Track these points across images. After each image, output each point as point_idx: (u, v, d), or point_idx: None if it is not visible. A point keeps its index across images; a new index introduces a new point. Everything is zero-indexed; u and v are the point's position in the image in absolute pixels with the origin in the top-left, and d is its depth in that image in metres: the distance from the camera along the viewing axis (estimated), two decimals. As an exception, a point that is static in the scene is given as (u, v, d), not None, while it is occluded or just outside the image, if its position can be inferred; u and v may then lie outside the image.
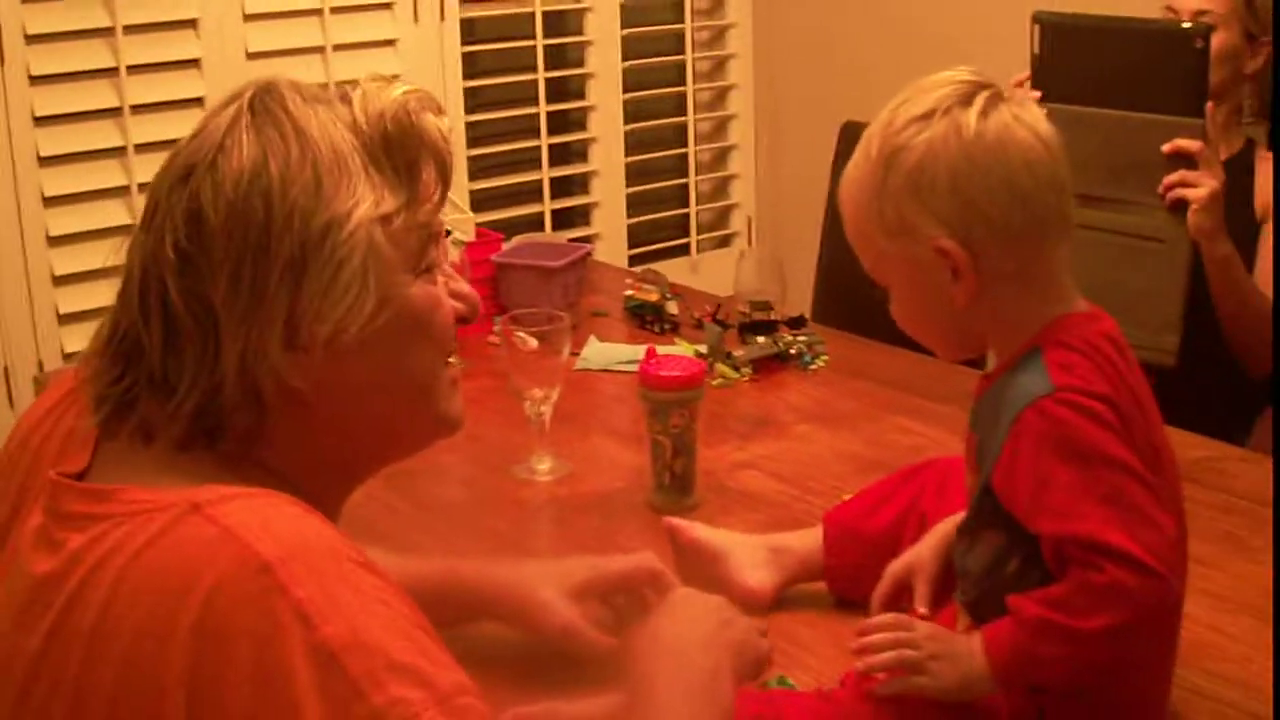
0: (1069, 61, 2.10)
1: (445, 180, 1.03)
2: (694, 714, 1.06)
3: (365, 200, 0.95)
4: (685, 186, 3.85)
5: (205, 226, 0.93)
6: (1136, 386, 1.18)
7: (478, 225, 2.57)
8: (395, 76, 1.03)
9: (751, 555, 1.49)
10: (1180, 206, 2.08)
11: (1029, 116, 1.19)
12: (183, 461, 0.94)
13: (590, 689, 1.23)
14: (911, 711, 1.15)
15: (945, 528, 1.34)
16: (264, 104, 0.96)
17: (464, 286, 1.09)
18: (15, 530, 1.00)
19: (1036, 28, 2.12)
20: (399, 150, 0.98)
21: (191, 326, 0.93)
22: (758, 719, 1.17)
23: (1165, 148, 2.07)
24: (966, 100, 1.17)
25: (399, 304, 0.98)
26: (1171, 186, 2.08)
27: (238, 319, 0.92)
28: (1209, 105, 2.08)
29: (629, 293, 2.44)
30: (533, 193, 3.55)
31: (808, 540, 1.49)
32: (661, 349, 1.89)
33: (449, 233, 2.22)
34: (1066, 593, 1.10)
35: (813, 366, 2.18)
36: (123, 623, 0.86)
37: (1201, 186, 2.07)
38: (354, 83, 1.01)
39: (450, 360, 1.06)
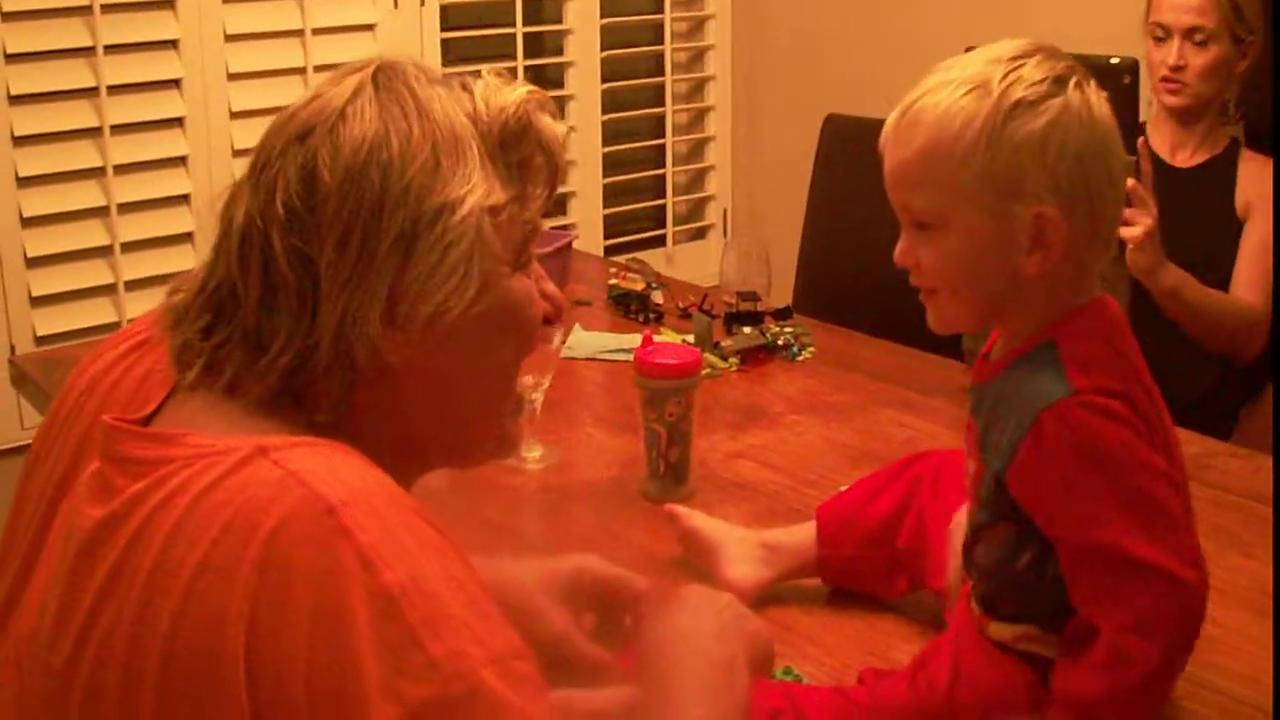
0: None
1: (554, 182, 1.04)
2: (711, 703, 1.05)
3: (479, 189, 0.96)
4: (662, 178, 3.85)
5: (320, 187, 0.93)
6: (1144, 374, 1.18)
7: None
8: (513, 77, 1.04)
9: (742, 550, 1.48)
10: (1119, 245, 2.09)
11: None
12: (257, 419, 0.94)
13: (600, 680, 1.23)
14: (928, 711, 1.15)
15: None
16: (388, 79, 0.97)
17: (551, 287, 1.09)
18: (76, 477, 0.99)
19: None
20: (515, 147, 0.99)
21: (292, 284, 0.93)
22: (777, 714, 1.17)
23: None
24: (1087, 77, 1.17)
25: (498, 294, 0.98)
26: None
27: (340, 284, 0.92)
28: (1140, 140, 2.10)
29: (613, 281, 2.43)
30: (510, 181, 3.53)
31: (800, 536, 1.49)
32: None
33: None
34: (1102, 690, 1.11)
35: (800, 357, 2.18)
36: (185, 559, 0.85)
37: (1137, 225, 2.08)
38: (476, 73, 1.02)
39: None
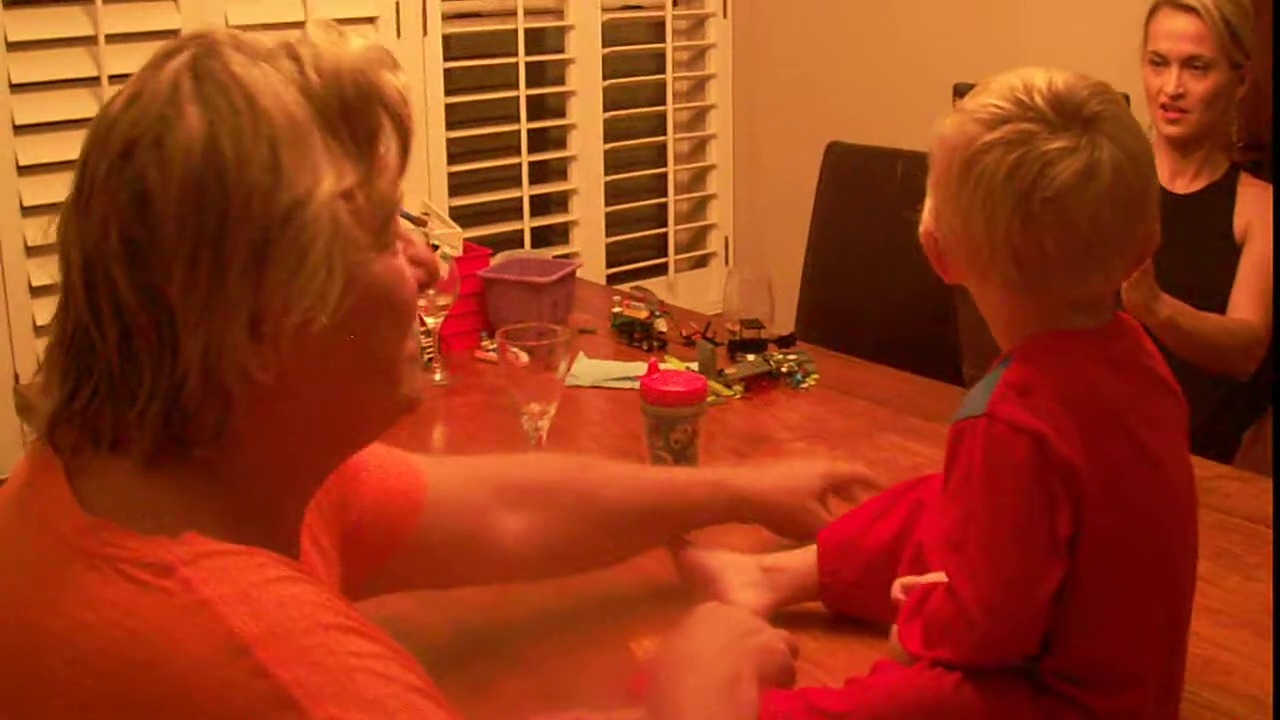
0: None
1: (405, 145, 0.94)
2: None
3: (326, 176, 0.87)
4: (664, 206, 3.87)
5: (153, 211, 0.84)
6: (1110, 417, 1.18)
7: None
8: (342, 29, 0.94)
9: (743, 576, 1.48)
10: None
11: None
12: (146, 477, 0.88)
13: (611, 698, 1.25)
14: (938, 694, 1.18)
15: None
16: (206, 67, 0.87)
17: (422, 250, 1.00)
18: None
19: (957, 100, 2.09)
20: (358, 117, 0.90)
21: (146, 322, 0.85)
22: (787, 717, 1.18)
23: None
24: None
25: (364, 284, 0.90)
26: None
27: (196, 312, 0.85)
28: None
29: (617, 310, 2.44)
30: (512, 210, 3.55)
31: (802, 559, 1.49)
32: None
33: (435, 247, 2.23)
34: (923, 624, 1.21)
35: (804, 385, 2.19)
36: (94, 689, 0.81)
37: None
38: (300, 32, 0.92)
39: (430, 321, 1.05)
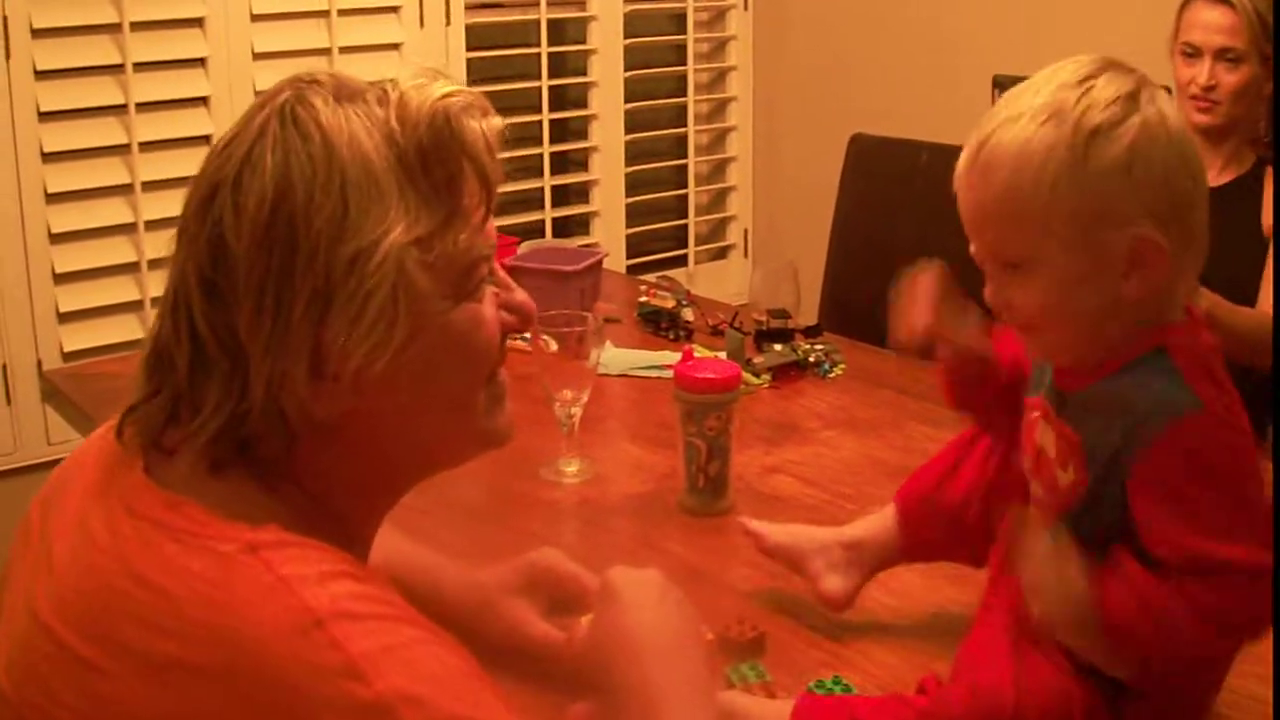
0: None
1: (489, 194, 0.96)
2: (686, 685, 1.01)
3: (397, 225, 0.89)
4: (684, 197, 3.86)
5: (228, 254, 0.89)
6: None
7: (490, 229, 2.56)
8: (438, 74, 0.95)
9: (827, 559, 1.45)
10: None
11: None
12: (226, 476, 0.92)
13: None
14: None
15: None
16: (294, 113, 0.91)
17: (517, 296, 1.03)
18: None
19: (996, 91, 2.08)
20: (437, 163, 0.92)
21: (218, 353, 0.90)
22: None
23: None
24: (1154, 86, 1.14)
25: (434, 332, 0.93)
26: None
27: (263, 347, 0.89)
28: None
29: (643, 299, 2.44)
30: (534, 200, 3.55)
31: (881, 525, 1.45)
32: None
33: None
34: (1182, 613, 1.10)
35: (831, 375, 2.19)
36: (161, 648, 0.84)
37: None
38: (394, 81, 0.95)
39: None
